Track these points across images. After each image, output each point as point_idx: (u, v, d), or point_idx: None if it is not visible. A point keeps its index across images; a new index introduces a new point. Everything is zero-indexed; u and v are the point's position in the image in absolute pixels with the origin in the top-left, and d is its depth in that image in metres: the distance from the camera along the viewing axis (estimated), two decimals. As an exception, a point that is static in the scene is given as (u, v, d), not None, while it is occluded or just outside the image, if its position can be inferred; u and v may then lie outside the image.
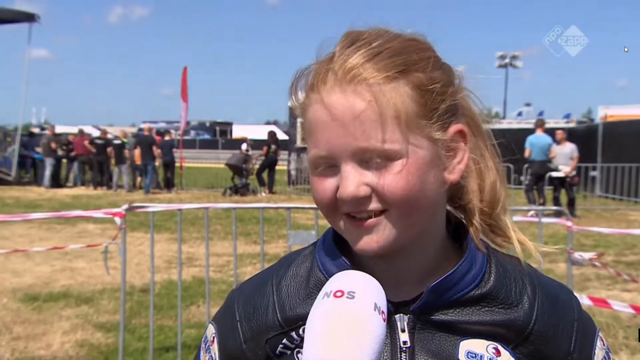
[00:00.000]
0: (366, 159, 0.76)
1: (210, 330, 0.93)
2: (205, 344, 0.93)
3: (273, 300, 0.87)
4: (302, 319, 0.81)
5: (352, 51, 0.78)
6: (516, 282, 0.84)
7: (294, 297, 0.86)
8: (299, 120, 0.88)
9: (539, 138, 12.93)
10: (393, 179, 0.76)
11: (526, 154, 12.80)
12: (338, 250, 0.86)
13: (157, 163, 18.09)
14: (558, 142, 12.93)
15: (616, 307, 3.52)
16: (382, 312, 0.69)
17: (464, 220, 0.89)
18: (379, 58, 0.77)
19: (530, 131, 13.64)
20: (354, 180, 0.76)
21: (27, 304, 6.06)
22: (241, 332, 0.88)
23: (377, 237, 0.78)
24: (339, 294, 0.69)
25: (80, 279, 7.12)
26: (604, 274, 6.92)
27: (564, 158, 12.78)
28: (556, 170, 12.78)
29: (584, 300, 3.52)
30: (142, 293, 6.35)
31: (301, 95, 0.83)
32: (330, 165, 0.78)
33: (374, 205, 0.77)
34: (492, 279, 0.83)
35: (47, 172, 19.58)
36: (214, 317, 0.96)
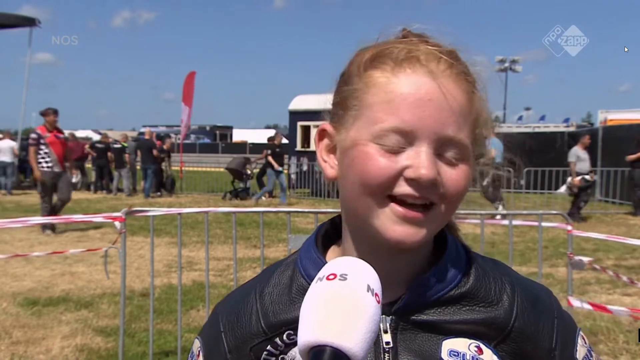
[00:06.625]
0: (446, 148, 0.77)
1: (196, 344, 0.94)
2: (192, 359, 0.94)
3: (256, 308, 0.87)
4: (285, 325, 0.83)
5: (436, 44, 0.80)
6: (495, 282, 0.86)
7: (277, 303, 0.86)
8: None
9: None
10: (461, 175, 0.78)
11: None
12: (321, 257, 0.87)
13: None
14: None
15: (615, 310, 3.50)
16: (376, 295, 0.69)
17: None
18: (458, 58, 0.80)
19: (531, 135, 13.76)
20: (432, 163, 0.76)
21: (27, 309, 6.05)
22: (225, 342, 0.88)
23: (422, 230, 0.79)
24: (331, 277, 0.69)
25: (80, 283, 7.10)
26: (604, 278, 6.92)
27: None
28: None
29: (584, 305, 3.51)
30: (142, 297, 6.35)
31: (380, 64, 0.80)
32: (401, 143, 0.77)
33: (434, 195, 0.78)
34: (471, 278, 0.84)
35: None
36: (199, 332, 0.97)
